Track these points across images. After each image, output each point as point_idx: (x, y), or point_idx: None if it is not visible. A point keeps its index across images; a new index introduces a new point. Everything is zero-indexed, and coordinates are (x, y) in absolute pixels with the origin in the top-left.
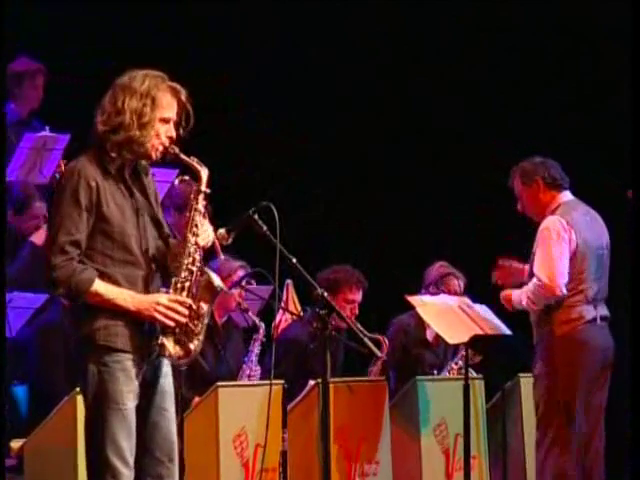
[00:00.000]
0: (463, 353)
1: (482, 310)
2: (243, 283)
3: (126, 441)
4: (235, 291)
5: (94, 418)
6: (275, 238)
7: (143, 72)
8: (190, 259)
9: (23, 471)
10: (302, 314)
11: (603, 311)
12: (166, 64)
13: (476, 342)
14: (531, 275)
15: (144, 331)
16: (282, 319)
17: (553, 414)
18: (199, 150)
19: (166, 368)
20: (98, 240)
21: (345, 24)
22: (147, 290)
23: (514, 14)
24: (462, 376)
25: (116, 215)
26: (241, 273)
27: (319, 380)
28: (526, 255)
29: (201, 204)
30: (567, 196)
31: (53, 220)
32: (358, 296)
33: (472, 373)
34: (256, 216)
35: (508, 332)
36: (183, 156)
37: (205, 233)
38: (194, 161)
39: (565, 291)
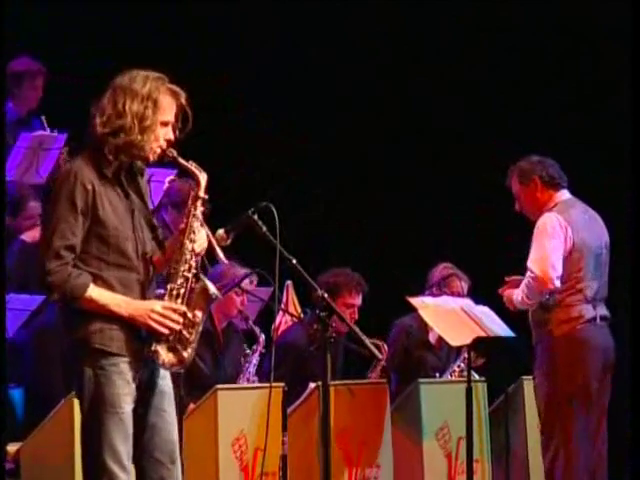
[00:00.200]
0: (466, 355)
1: (484, 312)
2: (243, 284)
3: (123, 445)
4: (237, 298)
5: (91, 422)
6: (275, 239)
7: (143, 73)
8: (186, 266)
9: (20, 475)
10: (302, 316)
11: (603, 311)
12: (166, 64)
13: (479, 344)
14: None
15: (140, 335)
16: (282, 321)
17: (556, 416)
18: (199, 150)
19: (164, 369)
20: (93, 244)
21: (345, 24)
22: (144, 294)
23: (514, 14)
24: (464, 379)
25: (112, 218)
26: (246, 280)
27: (319, 383)
28: (525, 256)
29: (199, 210)
30: (565, 195)
31: (48, 223)
32: (358, 300)
33: (475, 376)
34: (255, 216)
35: (511, 334)
36: (182, 160)
37: (201, 240)
38: (192, 165)
39: (558, 284)
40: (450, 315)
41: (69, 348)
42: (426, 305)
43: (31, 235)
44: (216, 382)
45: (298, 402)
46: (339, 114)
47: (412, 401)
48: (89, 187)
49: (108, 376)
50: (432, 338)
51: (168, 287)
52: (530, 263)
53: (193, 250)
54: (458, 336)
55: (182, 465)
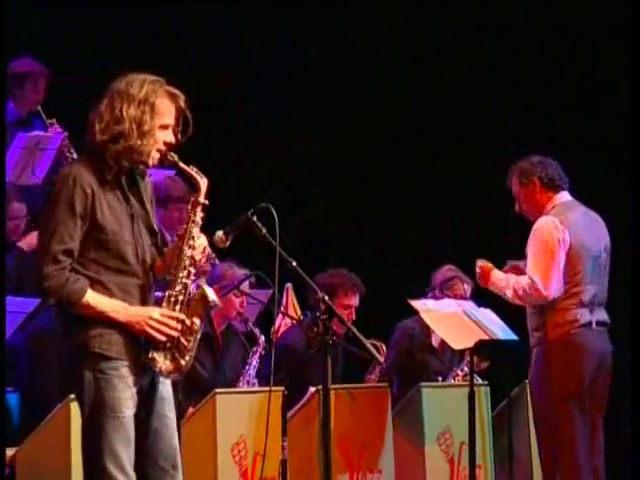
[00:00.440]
0: (468, 359)
1: (487, 314)
2: (242, 286)
3: (124, 450)
4: (237, 300)
5: (91, 426)
6: (274, 240)
7: (140, 77)
8: (185, 272)
9: None
10: (302, 318)
11: (600, 316)
12: (166, 64)
13: (482, 348)
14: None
15: (140, 341)
16: (282, 324)
17: (552, 419)
18: (199, 151)
19: (162, 377)
20: (92, 248)
21: (345, 24)
22: (144, 299)
23: (514, 14)
24: (467, 383)
25: (111, 223)
26: (245, 282)
27: (320, 387)
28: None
29: (199, 216)
30: (565, 197)
31: (46, 226)
32: (355, 301)
33: (477, 379)
34: (255, 218)
35: (514, 337)
36: (182, 165)
37: (201, 247)
38: (193, 170)
39: (558, 295)
40: (452, 318)
41: (68, 353)
42: (428, 308)
43: (27, 242)
44: (215, 385)
45: (298, 406)
46: (339, 114)
47: (414, 405)
48: (88, 191)
49: (108, 380)
50: (435, 341)
51: (166, 293)
52: (532, 272)
53: (192, 257)
54: (460, 339)
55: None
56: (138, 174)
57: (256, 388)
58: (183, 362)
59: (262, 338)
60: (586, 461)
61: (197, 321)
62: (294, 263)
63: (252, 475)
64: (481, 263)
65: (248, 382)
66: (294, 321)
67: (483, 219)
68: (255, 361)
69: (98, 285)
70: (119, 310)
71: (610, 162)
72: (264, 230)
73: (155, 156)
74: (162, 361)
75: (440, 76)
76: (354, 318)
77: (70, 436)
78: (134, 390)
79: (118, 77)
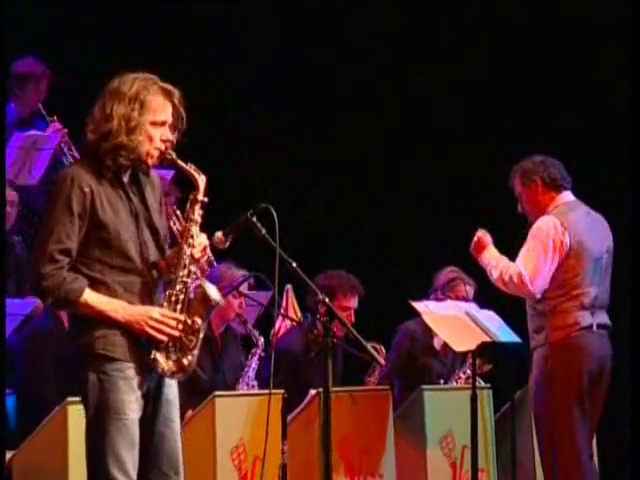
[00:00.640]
0: (471, 362)
1: (490, 316)
2: (241, 288)
3: (128, 453)
4: (235, 301)
5: (95, 429)
6: (274, 241)
7: (133, 75)
8: (185, 271)
9: None
10: (302, 321)
11: (601, 319)
12: (166, 64)
13: (484, 350)
14: None
15: (143, 342)
16: (282, 326)
17: (553, 422)
18: (198, 151)
19: (166, 378)
20: (96, 248)
21: (345, 24)
22: (150, 298)
23: (514, 14)
24: (470, 385)
25: (112, 220)
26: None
27: (320, 389)
28: None
29: (197, 214)
30: (567, 197)
31: (44, 227)
32: (353, 302)
33: (480, 382)
34: (254, 218)
35: (517, 339)
36: (180, 162)
37: (201, 245)
38: (191, 168)
39: (539, 296)
40: (454, 320)
41: (73, 355)
42: (429, 310)
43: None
44: (215, 387)
45: (298, 409)
46: (339, 114)
47: (416, 408)
48: (86, 190)
49: (113, 381)
50: (437, 344)
51: (167, 293)
52: (522, 264)
53: (192, 255)
54: (463, 342)
55: None
56: (141, 172)
57: (256, 391)
58: (186, 362)
59: (261, 340)
60: (587, 464)
61: (198, 321)
62: (294, 264)
63: (252, 479)
64: (481, 234)
65: (247, 384)
66: (294, 323)
67: (483, 219)
68: (254, 363)
69: (101, 286)
70: (118, 310)
71: (610, 162)
72: (264, 231)
73: (154, 154)
74: (164, 361)
75: (440, 76)
76: (353, 320)
77: (67, 439)
78: (139, 393)
79: (117, 76)
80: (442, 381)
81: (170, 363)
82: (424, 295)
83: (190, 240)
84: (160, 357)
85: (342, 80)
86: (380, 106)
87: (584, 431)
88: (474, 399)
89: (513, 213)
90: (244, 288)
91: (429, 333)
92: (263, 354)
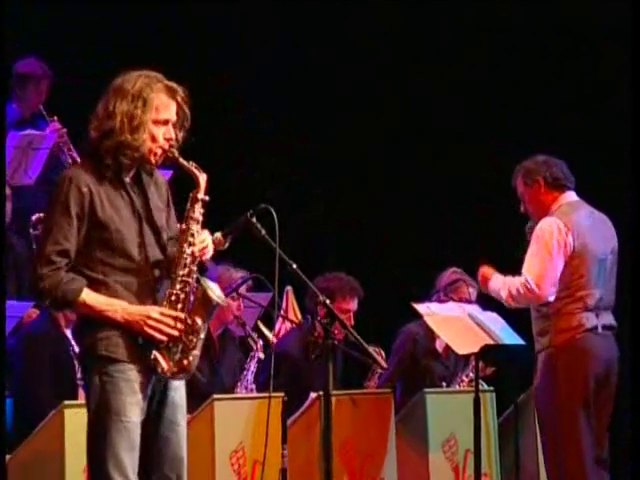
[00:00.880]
0: (474, 364)
1: (493, 318)
2: (240, 290)
3: (127, 455)
4: (233, 303)
5: (95, 430)
6: (274, 242)
7: (137, 73)
8: (185, 270)
9: None
10: (302, 322)
11: (607, 320)
12: (166, 64)
13: (487, 353)
14: None
15: (143, 342)
16: (282, 328)
17: (557, 425)
18: (198, 150)
19: (177, 381)
20: (97, 249)
21: (345, 24)
22: (152, 297)
23: (514, 14)
24: (472, 388)
25: (113, 220)
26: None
27: (321, 392)
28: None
29: (198, 212)
30: (570, 197)
31: (43, 229)
32: (353, 305)
33: (483, 385)
34: (254, 219)
35: (520, 342)
36: (182, 160)
37: (203, 243)
38: (193, 166)
39: (552, 298)
40: (457, 322)
41: (80, 356)
42: (431, 311)
43: None
44: (213, 391)
45: (299, 413)
46: (339, 114)
47: (418, 412)
48: (84, 190)
49: (115, 383)
50: (439, 346)
51: (167, 292)
52: (526, 270)
53: (193, 254)
54: (465, 344)
55: None
56: (145, 172)
57: (255, 394)
58: (186, 362)
59: (260, 343)
60: (592, 469)
61: (198, 321)
62: (294, 266)
63: None
64: (483, 269)
65: (246, 388)
66: (294, 325)
67: (483, 219)
68: (253, 366)
69: (102, 287)
70: (118, 309)
71: (610, 162)
72: (263, 231)
73: (158, 152)
74: (164, 362)
75: (440, 76)
76: (352, 323)
77: (64, 443)
78: (141, 396)
79: (118, 76)
80: (444, 384)
81: (171, 363)
82: (424, 295)
83: (190, 239)
84: (160, 357)
85: (342, 80)
86: (380, 106)
87: (589, 435)
88: (477, 402)
89: (513, 213)
90: (243, 289)
91: (431, 335)
92: (262, 357)
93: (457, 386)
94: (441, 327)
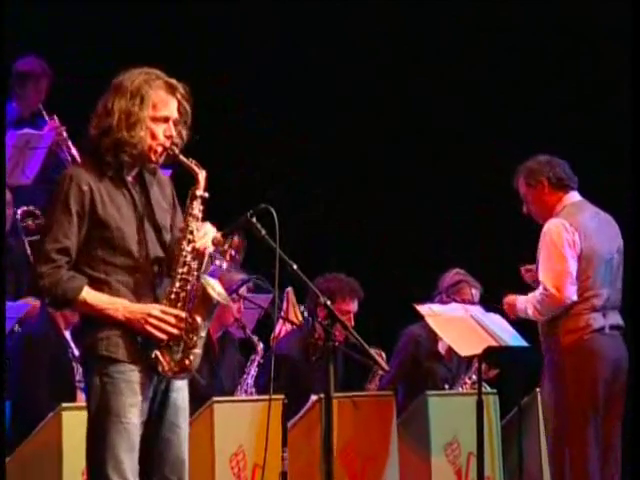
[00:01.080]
0: (477, 366)
1: (495, 320)
2: (240, 291)
3: (127, 457)
4: (234, 306)
5: (95, 431)
6: (274, 242)
7: (137, 70)
8: (185, 268)
9: None
10: (302, 324)
11: (614, 320)
12: (166, 64)
13: (490, 355)
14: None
15: (144, 341)
16: (282, 329)
17: (565, 426)
18: (198, 150)
19: (179, 382)
20: (98, 247)
21: (345, 24)
22: (153, 295)
23: (514, 14)
24: (475, 391)
25: (114, 217)
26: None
27: (321, 395)
28: (526, 257)
29: (197, 209)
30: (574, 197)
31: (44, 228)
32: (352, 306)
33: (486, 388)
34: (254, 219)
35: (524, 343)
36: (182, 157)
37: (203, 239)
38: (192, 163)
39: (575, 298)
40: (459, 323)
41: (81, 356)
42: (434, 312)
43: None
44: (212, 393)
45: (299, 415)
46: (339, 114)
47: (420, 414)
48: (85, 188)
49: (115, 384)
50: (441, 348)
51: (167, 290)
52: (543, 278)
53: (193, 250)
54: (468, 346)
55: None
56: (147, 171)
57: (255, 397)
58: (187, 361)
59: (261, 346)
60: (597, 471)
61: (198, 319)
62: (295, 266)
63: None
64: (506, 299)
65: (246, 392)
66: (294, 326)
67: (483, 219)
68: (254, 370)
69: (104, 285)
70: (119, 308)
71: (610, 162)
72: (264, 231)
73: (158, 150)
74: (165, 361)
75: (440, 76)
76: (353, 324)
77: (62, 445)
78: (142, 397)
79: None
80: (447, 386)
81: (172, 363)
82: (425, 296)
83: (189, 236)
84: (161, 356)
85: (342, 80)
86: (380, 106)
87: (596, 438)
88: (480, 405)
89: (513, 213)
90: (243, 290)
91: (434, 337)
92: (262, 361)
93: (460, 388)
94: (443, 328)
